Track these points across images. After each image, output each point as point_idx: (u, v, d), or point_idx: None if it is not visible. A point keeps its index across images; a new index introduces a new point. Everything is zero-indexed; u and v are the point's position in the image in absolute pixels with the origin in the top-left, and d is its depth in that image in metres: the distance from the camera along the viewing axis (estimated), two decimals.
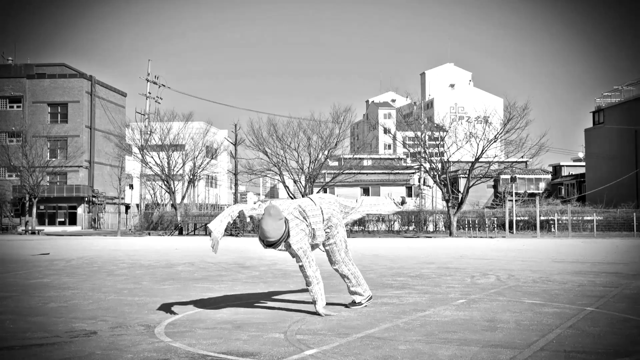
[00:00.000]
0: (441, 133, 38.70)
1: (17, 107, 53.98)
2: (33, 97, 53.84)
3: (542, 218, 36.62)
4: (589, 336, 4.91)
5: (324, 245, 6.44)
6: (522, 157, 40.12)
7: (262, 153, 40.08)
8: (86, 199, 52.67)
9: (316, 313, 5.94)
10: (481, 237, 33.15)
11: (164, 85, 53.95)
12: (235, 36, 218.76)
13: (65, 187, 52.10)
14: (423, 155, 39.20)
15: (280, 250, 5.95)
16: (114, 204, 54.42)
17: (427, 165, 38.27)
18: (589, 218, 37.05)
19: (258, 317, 5.90)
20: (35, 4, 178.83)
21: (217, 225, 5.87)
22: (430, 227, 40.01)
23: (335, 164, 48.70)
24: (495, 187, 56.96)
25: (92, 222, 52.78)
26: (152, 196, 50.51)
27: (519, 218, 38.32)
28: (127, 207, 50.74)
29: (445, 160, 37.19)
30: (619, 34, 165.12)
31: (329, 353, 4.33)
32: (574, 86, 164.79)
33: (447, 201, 36.02)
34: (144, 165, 45.96)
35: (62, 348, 4.53)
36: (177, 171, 43.63)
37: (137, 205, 52.69)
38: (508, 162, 42.61)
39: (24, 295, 7.58)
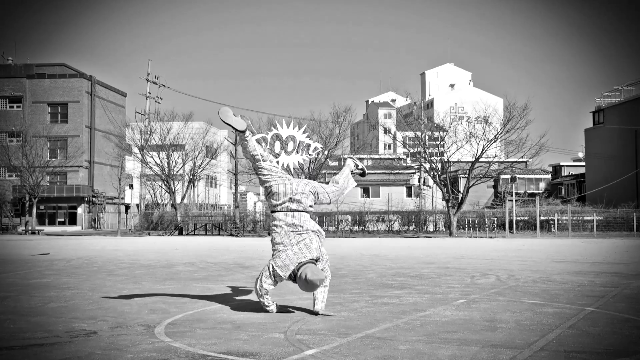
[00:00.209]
0: (441, 133, 38.70)
1: (17, 107, 53.97)
2: (33, 97, 53.83)
3: (542, 218, 36.62)
4: (589, 336, 4.91)
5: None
6: (522, 157, 40.13)
7: None
8: (86, 199, 52.67)
9: (314, 313, 5.95)
10: (481, 237, 33.15)
11: (164, 85, 53.96)
12: (235, 36, 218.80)
13: (65, 187, 52.10)
14: (423, 155, 39.19)
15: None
16: (114, 204, 54.41)
17: (427, 165, 38.27)
18: (589, 218, 37.05)
19: (258, 317, 5.90)
20: (35, 4, 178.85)
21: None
22: (430, 227, 40.00)
23: (335, 164, 48.70)
24: (495, 187, 56.95)
25: (92, 222, 52.78)
26: (152, 196, 50.51)
27: (519, 218, 38.32)
28: (127, 207, 50.72)
29: (445, 160, 37.18)
30: (619, 34, 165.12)
31: (329, 353, 4.33)
32: (574, 86, 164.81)
33: (447, 201, 36.02)
34: (144, 165, 45.97)
35: (62, 348, 4.53)
36: (177, 171, 43.63)
37: (137, 205, 52.68)
38: (508, 162, 42.61)
39: (23, 295, 7.58)
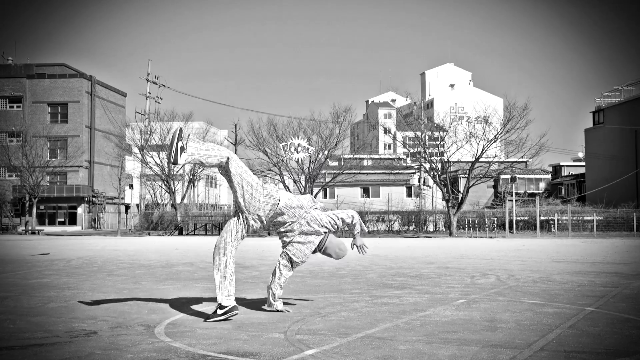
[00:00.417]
0: (441, 133, 38.71)
1: (17, 107, 53.99)
2: (33, 97, 53.84)
3: (542, 218, 36.63)
4: (589, 336, 4.91)
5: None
6: (522, 157, 40.14)
7: (262, 153, 40.14)
8: (86, 199, 52.68)
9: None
10: (481, 237, 33.14)
11: (164, 85, 53.97)
12: (235, 36, 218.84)
13: (65, 187, 52.11)
14: (423, 155, 39.20)
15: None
16: (114, 204, 54.43)
17: (427, 165, 38.28)
18: (589, 218, 37.06)
19: (258, 317, 5.89)
20: (35, 4, 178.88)
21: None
22: (430, 227, 40.01)
23: (335, 164, 48.71)
24: (495, 187, 56.97)
25: (92, 222, 52.79)
26: (152, 196, 50.53)
27: (519, 218, 38.33)
28: (127, 207, 50.76)
29: (445, 160, 37.19)
30: (619, 34, 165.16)
31: (329, 353, 4.33)
32: (574, 86, 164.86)
33: (447, 201, 36.01)
34: (144, 165, 45.98)
35: (62, 348, 4.53)
36: (177, 171, 43.64)
37: (137, 205, 52.70)
38: (508, 162, 42.62)
39: (23, 295, 7.58)
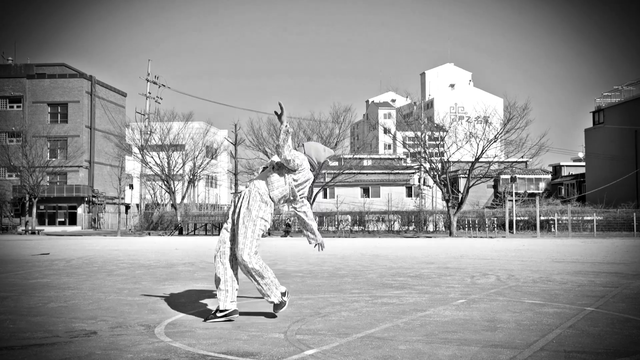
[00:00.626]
0: (441, 133, 38.72)
1: (17, 107, 53.99)
2: (33, 97, 53.84)
3: (542, 218, 36.63)
4: (589, 336, 4.91)
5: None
6: (522, 157, 40.15)
7: (262, 153, 40.14)
8: (86, 199, 52.68)
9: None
10: (481, 237, 33.14)
11: (164, 85, 53.98)
12: (235, 36, 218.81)
13: (65, 187, 52.11)
14: (423, 155, 39.20)
15: (297, 184, 5.71)
16: (114, 204, 54.44)
17: (427, 165, 38.28)
18: (589, 218, 37.06)
19: (258, 317, 5.90)
20: (35, 4, 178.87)
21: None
22: (430, 227, 40.01)
23: (335, 164, 48.72)
24: (495, 187, 56.97)
25: (92, 222, 52.79)
26: (152, 196, 50.54)
27: (519, 218, 38.33)
28: (127, 207, 50.77)
29: (445, 160, 37.19)
30: (619, 34, 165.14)
31: (329, 353, 4.33)
32: (574, 86, 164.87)
33: (447, 201, 36.02)
34: (144, 165, 45.99)
35: (62, 348, 4.53)
36: (177, 171, 43.65)
37: (137, 205, 52.71)
38: (508, 162, 42.63)
39: (23, 295, 7.58)
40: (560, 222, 37.27)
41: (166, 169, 42.62)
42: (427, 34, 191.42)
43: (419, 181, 48.92)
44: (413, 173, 47.68)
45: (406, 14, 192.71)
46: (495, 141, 36.66)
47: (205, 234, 39.30)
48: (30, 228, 44.34)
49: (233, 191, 54.63)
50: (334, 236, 35.11)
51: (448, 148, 37.38)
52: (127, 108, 61.96)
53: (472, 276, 10.00)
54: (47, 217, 52.96)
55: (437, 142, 38.20)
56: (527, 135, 41.18)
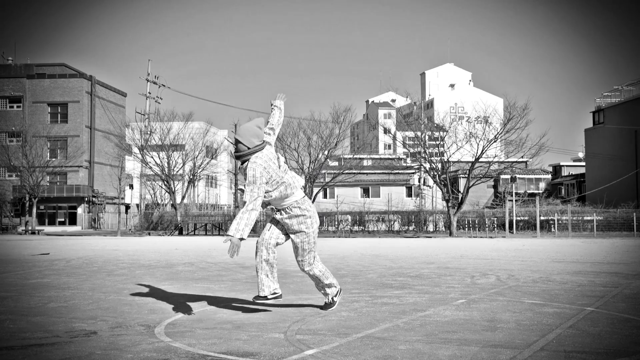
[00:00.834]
0: (441, 133, 38.71)
1: (17, 107, 53.98)
2: (33, 97, 53.84)
3: (542, 218, 36.63)
4: (589, 336, 4.91)
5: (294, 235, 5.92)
6: (522, 157, 40.14)
7: None
8: (86, 199, 52.68)
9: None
10: (481, 237, 33.14)
11: (164, 85, 53.97)
12: (235, 36, 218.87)
13: (65, 187, 52.11)
14: (423, 155, 39.20)
15: (240, 167, 5.62)
16: (114, 204, 54.44)
17: (427, 165, 38.27)
18: (589, 218, 37.05)
19: (258, 317, 5.90)
20: (35, 4, 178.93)
21: (242, 229, 5.44)
22: (430, 227, 40.00)
23: (335, 164, 48.71)
24: (495, 187, 56.97)
25: (92, 222, 52.79)
26: (152, 196, 50.53)
27: (519, 218, 38.33)
28: (127, 207, 50.76)
29: (445, 160, 37.19)
30: (619, 34, 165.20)
31: (329, 353, 4.33)
32: (574, 86, 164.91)
33: (447, 201, 36.02)
34: (144, 165, 45.98)
35: (62, 348, 4.53)
36: (177, 171, 43.64)
37: (137, 205, 52.71)
38: (508, 162, 42.62)
39: (23, 295, 7.58)
40: (560, 222, 37.27)
41: (166, 169, 42.62)
42: (427, 34, 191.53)
43: (419, 181, 48.91)
44: (413, 173, 47.67)
45: (406, 14, 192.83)
46: (495, 141, 36.64)
47: (205, 234, 39.31)
48: (30, 228, 44.34)
49: (233, 191, 54.65)
50: (334, 236, 35.10)
51: (448, 148, 37.38)
52: (127, 108, 61.98)
53: (472, 276, 10.00)
54: (47, 217, 52.96)
55: (437, 142, 38.19)
56: (527, 135, 41.19)
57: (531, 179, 58.19)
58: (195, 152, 44.34)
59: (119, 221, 41.93)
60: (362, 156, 53.63)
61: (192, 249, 19.49)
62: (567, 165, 65.91)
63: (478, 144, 35.91)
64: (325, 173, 45.39)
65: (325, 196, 48.62)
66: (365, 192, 51.56)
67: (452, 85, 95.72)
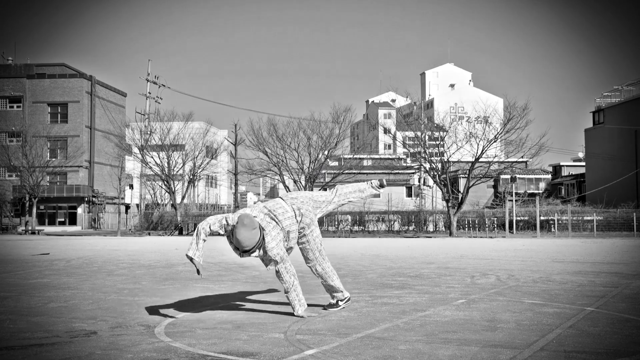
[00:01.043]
0: (441, 133, 38.70)
1: (17, 107, 53.97)
2: (33, 97, 53.83)
3: (542, 218, 36.62)
4: (589, 336, 4.91)
5: (298, 243, 6.24)
6: (522, 157, 40.13)
7: (262, 153, 40.12)
8: (86, 199, 52.67)
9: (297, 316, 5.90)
10: (481, 237, 33.14)
11: (164, 85, 53.97)
12: (236, 36, 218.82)
13: (65, 187, 52.10)
14: (423, 155, 39.19)
15: (256, 257, 5.79)
16: (114, 204, 54.42)
17: (427, 165, 38.27)
18: (589, 218, 37.04)
19: (258, 317, 5.90)
20: (35, 4, 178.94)
21: (195, 251, 5.78)
22: (430, 227, 40.00)
23: (335, 164, 48.70)
24: (495, 187, 56.95)
25: (92, 222, 52.77)
26: (152, 196, 50.51)
27: (519, 218, 38.31)
28: (127, 207, 50.74)
29: (445, 160, 37.18)
30: (619, 34, 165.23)
31: (329, 353, 4.33)
32: (574, 86, 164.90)
33: (447, 201, 36.01)
34: (144, 165, 45.97)
35: (62, 348, 4.53)
36: (177, 171, 43.63)
37: (137, 205, 52.70)
38: (508, 162, 42.61)
39: (23, 295, 7.58)
40: (560, 222, 37.25)
41: (166, 169, 42.61)
42: (427, 34, 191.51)
43: (419, 181, 48.90)
44: (413, 173, 47.67)
45: (406, 14, 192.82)
46: (495, 141, 36.64)
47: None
48: (30, 228, 44.34)
49: (233, 191, 54.65)
50: (334, 236, 35.11)
51: (448, 148, 37.37)
52: (127, 108, 61.94)
53: (472, 276, 10.00)
54: (47, 217, 52.94)
55: (437, 142, 38.19)
56: (527, 135, 41.12)
57: (531, 179, 58.16)
58: (195, 152, 44.33)
59: (119, 221, 41.92)
60: (362, 156, 53.61)
61: None
62: (567, 165, 65.89)
63: (478, 144, 35.91)
64: (325, 173, 45.39)
65: None
66: None
67: (452, 85, 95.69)
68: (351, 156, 47.67)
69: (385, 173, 50.74)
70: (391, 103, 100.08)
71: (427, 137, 39.15)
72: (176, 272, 10.93)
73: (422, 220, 40.06)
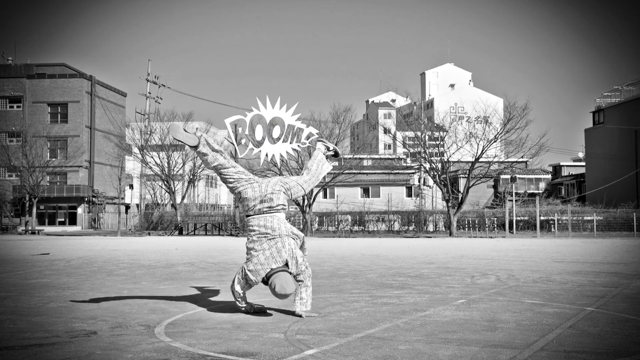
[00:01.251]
0: (441, 133, 38.70)
1: (17, 107, 53.96)
2: (33, 97, 53.82)
3: (542, 218, 36.62)
4: (589, 336, 4.91)
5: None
6: (522, 157, 40.12)
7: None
8: (86, 199, 52.66)
9: (296, 314, 5.90)
10: (481, 237, 33.14)
11: (164, 85, 53.95)
12: (236, 36, 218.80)
13: (65, 187, 52.09)
14: (423, 155, 39.19)
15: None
16: (114, 204, 54.41)
17: (427, 165, 38.27)
18: (589, 218, 37.04)
19: (258, 317, 5.90)
20: (36, 4, 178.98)
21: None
22: (430, 227, 40.00)
23: (335, 163, 48.68)
24: (495, 187, 56.94)
25: (92, 222, 52.77)
26: (152, 196, 50.51)
27: (519, 218, 38.32)
28: (127, 207, 50.72)
29: (445, 160, 37.18)
30: (619, 34, 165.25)
31: (329, 353, 4.33)
32: (574, 86, 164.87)
33: (447, 201, 36.01)
34: (144, 165, 45.97)
35: (62, 348, 4.53)
36: (177, 171, 43.63)
37: (137, 205, 52.69)
38: (508, 162, 42.60)
39: (23, 295, 7.58)
40: (560, 222, 37.26)
41: (166, 169, 42.61)
42: (427, 34, 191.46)
43: (419, 181, 48.89)
44: (413, 173, 47.65)
45: (406, 14, 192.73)
46: (495, 141, 36.63)
47: (205, 234, 39.31)
48: (30, 228, 44.33)
49: None
50: (334, 236, 35.11)
51: (448, 148, 37.37)
52: (127, 108, 61.92)
53: (472, 276, 10.00)
54: (47, 217, 52.93)
55: (437, 142, 38.18)
56: (527, 135, 41.16)
57: (531, 179, 58.16)
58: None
59: (119, 221, 41.92)
60: (362, 156, 53.58)
61: (192, 249, 19.49)
62: (567, 165, 65.89)
63: (478, 144, 35.90)
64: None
65: (325, 196, 48.61)
66: (365, 192, 51.54)
67: (452, 85, 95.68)
68: (351, 156, 47.66)
69: (385, 173, 50.75)
70: (391, 103, 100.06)
71: (427, 137, 39.14)
72: (176, 272, 10.93)
73: (422, 220, 40.06)
